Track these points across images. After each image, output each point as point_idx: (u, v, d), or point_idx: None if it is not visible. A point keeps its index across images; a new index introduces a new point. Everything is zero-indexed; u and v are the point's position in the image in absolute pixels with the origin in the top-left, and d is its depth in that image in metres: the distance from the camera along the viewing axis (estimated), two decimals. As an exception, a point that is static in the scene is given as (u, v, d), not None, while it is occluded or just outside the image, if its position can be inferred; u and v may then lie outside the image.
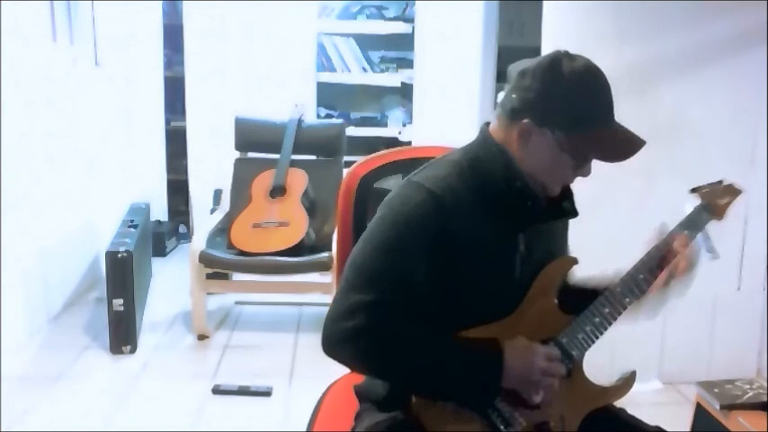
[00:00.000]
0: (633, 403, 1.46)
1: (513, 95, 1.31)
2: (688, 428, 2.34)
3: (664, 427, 1.45)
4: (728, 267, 2.92)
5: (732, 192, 1.57)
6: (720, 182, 1.58)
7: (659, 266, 1.40)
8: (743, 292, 2.96)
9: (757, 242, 2.91)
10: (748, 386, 2.26)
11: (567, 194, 1.39)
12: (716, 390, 2.24)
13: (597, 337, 1.38)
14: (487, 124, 1.38)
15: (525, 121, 1.29)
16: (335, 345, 1.27)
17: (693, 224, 1.50)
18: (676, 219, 1.54)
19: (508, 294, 1.35)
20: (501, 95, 1.35)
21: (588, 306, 1.39)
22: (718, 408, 2.18)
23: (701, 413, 2.27)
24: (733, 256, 2.91)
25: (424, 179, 1.32)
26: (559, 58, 1.30)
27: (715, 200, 1.54)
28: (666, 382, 2.94)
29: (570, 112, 1.28)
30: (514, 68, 1.34)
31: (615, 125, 1.32)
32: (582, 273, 1.41)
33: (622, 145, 1.31)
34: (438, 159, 1.39)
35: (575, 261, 1.42)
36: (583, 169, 1.34)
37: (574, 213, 1.40)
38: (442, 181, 1.30)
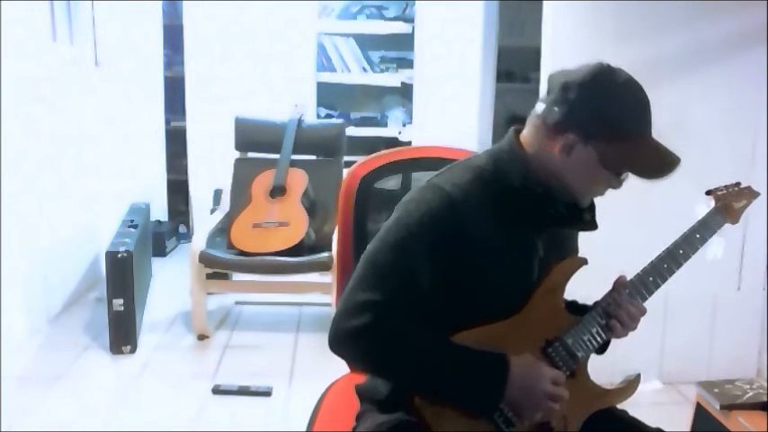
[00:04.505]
0: (633, 403, 1.46)
1: (556, 108, 1.29)
2: (688, 428, 2.34)
3: (664, 427, 1.45)
4: (728, 267, 2.92)
5: (749, 194, 1.55)
6: (738, 184, 1.56)
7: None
8: (743, 292, 2.96)
9: (757, 242, 2.91)
10: (748, 386, 2.26)
11: (589, 206, 1.38)
12: (716, 390, 2.24)
13: (602, 339, 1.38)
14: (517, 131, 1.37)
15: (570, 135, 1.28)
16: (341, 343, 1.27)
17: (706, 227, 1.49)
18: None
19: (522, 299, 1.34)
20: (540, 106, 1.32)
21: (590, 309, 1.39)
22: (718, 408, 2.18)
23: (701, 413, 2.27)
24: (733, 256, 2.92)
25: (444, 182, 1.31)
26: (602, 71, 1.29)
27: (731, 203, 1.53)
28: (666, 382, 2.94)
29: (613, 123, 1.28)
30: (556, 80, 1.31)
31: (653, 140, 1.32)
32: (583, 273, 1.41)
33: (660, 160, 1.30)
34: (461, 162, 1.38)
35: (584, 261, 1.40)
36: (616, 182, 1.34)
37: (593, 226, 1.38)
38: (462, 186, 1.30)
